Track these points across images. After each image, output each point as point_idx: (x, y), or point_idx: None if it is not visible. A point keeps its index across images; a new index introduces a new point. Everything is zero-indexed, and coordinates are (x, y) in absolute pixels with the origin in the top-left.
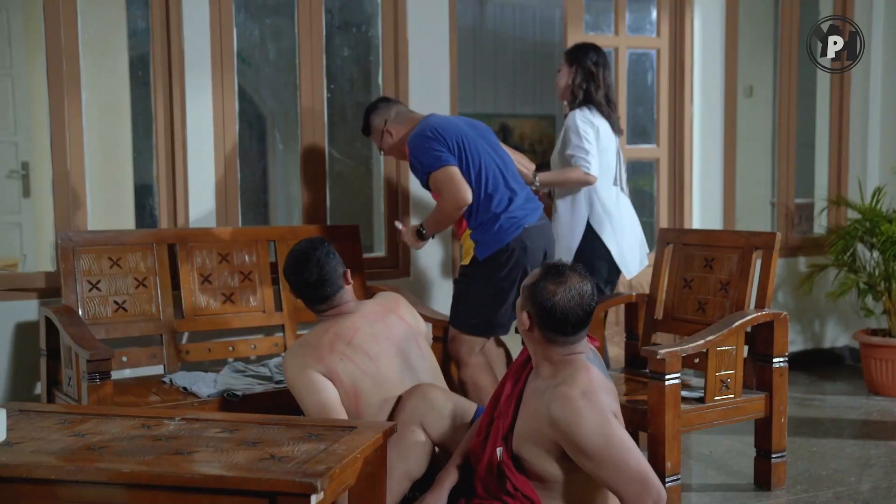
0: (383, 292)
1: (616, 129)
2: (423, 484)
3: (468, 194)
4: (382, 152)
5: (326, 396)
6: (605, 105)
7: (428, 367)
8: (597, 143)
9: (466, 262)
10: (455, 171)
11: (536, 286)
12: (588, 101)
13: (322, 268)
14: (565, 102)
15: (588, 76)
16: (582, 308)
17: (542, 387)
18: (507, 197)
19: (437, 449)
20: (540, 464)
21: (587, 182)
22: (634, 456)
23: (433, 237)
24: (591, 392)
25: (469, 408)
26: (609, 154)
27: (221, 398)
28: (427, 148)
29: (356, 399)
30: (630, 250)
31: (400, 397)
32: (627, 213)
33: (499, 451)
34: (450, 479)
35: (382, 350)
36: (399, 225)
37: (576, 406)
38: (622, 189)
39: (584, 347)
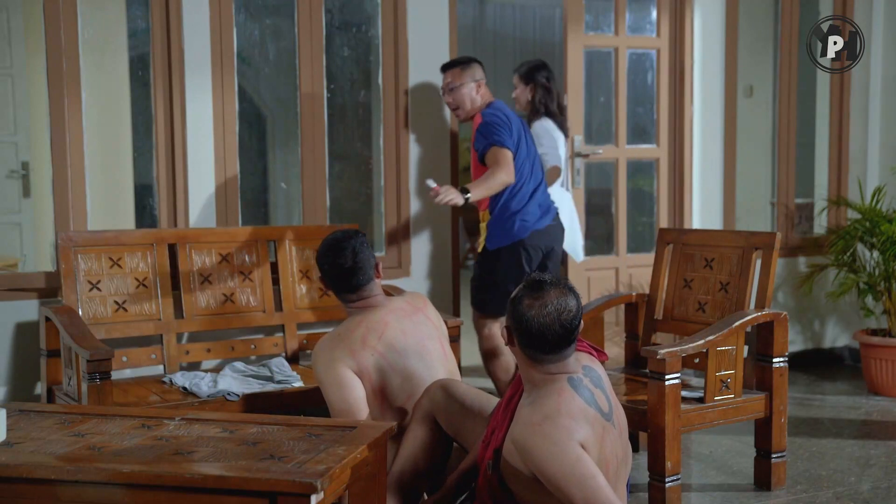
0: (410, 292)
1: (566, 132)
2: (438, 480)
3: (512, 178)
4: (445, 94)
5: (352, 395)
6: (558, 115)
7: (450, 370)
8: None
9: (480, 248)
10: (510, 155)
11: (515, 300)
12: (547, 113)
13: (357, 256)
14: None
15: (546, 92)
16: (561, 324)
17: (521, 404)
18: (527, 196)
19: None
20: (516, 483)
21: (559, 174)
22: (585, 492)
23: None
24: (555, 417)
25: (488, 403)
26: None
27: (221, 398)
28: (500, 125)
29: (382, 395)
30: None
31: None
32: (566, 209)
33: (489, 464)
34: (458, 481)
35: (410, 346)
36: (431, 182)
37: (533, 431)
38: (567, 189)
39: (570, 367)
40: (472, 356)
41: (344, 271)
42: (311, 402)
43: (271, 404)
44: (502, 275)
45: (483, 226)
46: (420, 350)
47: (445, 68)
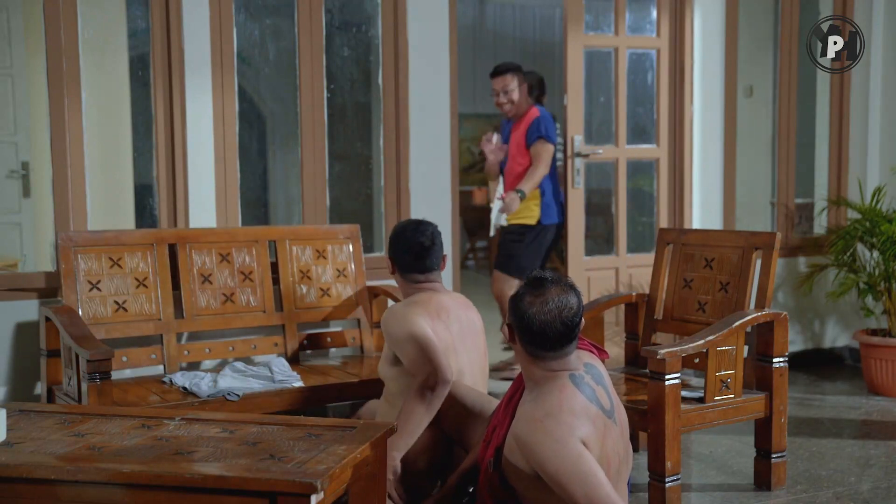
0: (456, 293)
1: None
2: (438, 480)
3: (548, 170)
4: (498, 95)
5: (433, 347)
6: None
7: (484, 371)
8: None
9: (528, 221)
10: (552, 149)
11: (516, 298)
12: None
13: (434, 239)
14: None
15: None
16: (562, 321)
17: (523, 401)
18: (559, 189)
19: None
20: (517, 481)
21: None
22: (586, 488)
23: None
24: (557, 414)
25: (489, 404)
26: None
27: (221, 398)
28: (550, 124)
29: None
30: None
31: None
32: None
33: (490, 462)
34: (458, 481)
35: (464, 335)
36: (498, 195)
37: (535, 427)
38: None
39: (572, 364)
40: None
41: (423, 249)
42: (311, 402)
43: (271, 404)
44: (544, 245)
45: (534, 203)
46: (469, 343)
47: (501, 74)
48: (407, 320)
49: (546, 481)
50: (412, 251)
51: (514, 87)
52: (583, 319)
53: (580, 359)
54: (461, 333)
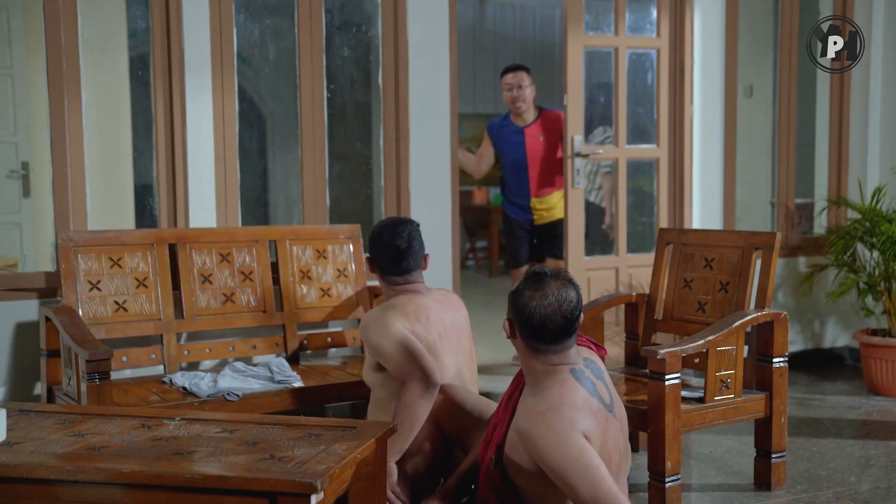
0: (445, 289)
1: None
2: (438, 483)
3: None
4: (512, 90)
5: (417, 346)
6: None
7: (473, 370)
8: None
9: (560, 216)
10: None
11: (516, 293)
12: None
13: (412, 240)
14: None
15: None
16: (562, 314)
17: (524, 396)
18: None
19: (458, 451)
20: (519, 477)
21: None
22: (589, 481)
23: None
24: (559, 408)
25: (488, 407)
26: None
27: (221, 398)
28: None
29: None
30: None
31: None
32: None
33: (491, 459)
34: (458, 482)
35: (447, 336)
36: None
37: (538, 421)
38: None
39: (572, 359)
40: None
41: (398, 252)
42: (311, 402)
43: (271, 404)
44: None
45: (560, 201)
46: (454, 344)
47: (516, 70)
48: (386, 327)
49: (548, 475)
50: (388, 254)
51: (527, 84)
52: (582, 313)
53: (579, 354)
54: (444, 335)
